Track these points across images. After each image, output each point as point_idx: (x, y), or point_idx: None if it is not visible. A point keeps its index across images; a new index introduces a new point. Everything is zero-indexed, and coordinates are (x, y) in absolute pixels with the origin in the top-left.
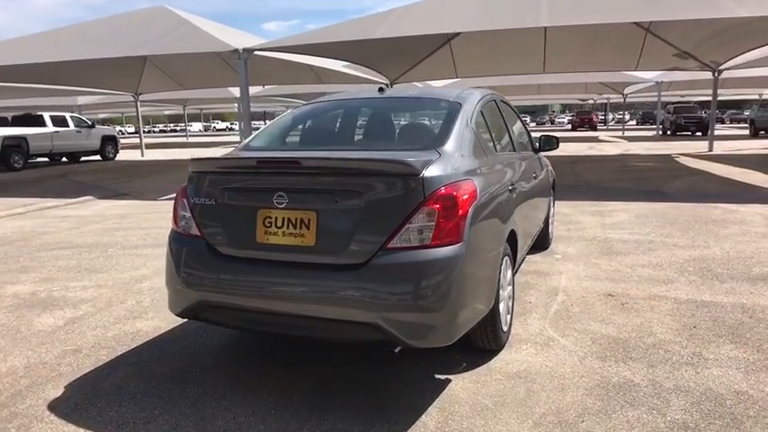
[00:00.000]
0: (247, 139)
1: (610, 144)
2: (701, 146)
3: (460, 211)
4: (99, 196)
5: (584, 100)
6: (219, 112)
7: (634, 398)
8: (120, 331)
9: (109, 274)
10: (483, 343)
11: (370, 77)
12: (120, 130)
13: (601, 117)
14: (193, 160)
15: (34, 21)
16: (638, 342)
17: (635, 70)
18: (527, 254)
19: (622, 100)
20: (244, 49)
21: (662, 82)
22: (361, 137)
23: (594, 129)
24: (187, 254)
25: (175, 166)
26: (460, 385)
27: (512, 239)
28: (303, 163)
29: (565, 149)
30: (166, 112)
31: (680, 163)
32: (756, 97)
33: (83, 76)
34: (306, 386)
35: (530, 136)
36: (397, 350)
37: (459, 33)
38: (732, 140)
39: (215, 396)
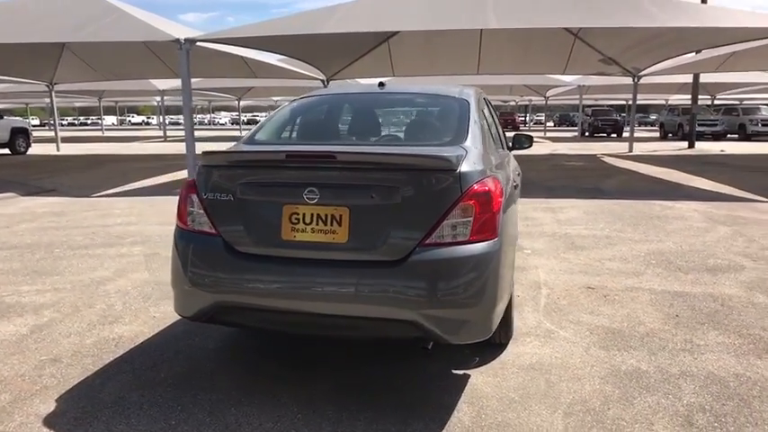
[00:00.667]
0: (250, 133)
1: (536, 144)
2: (621, 147)
3: (495, 207)
4: (22, 193)
5: (505, 101)
6: (134, 104)
7: (647, 384)
8: (100, 338)
9: (64, 276)
10: (495, 336)
11: (306, 73)
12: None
13: (521, 118)
14: (206, 153)
15: None
16: (631, 331)
17: (563, 74)
18: None
19: (544, 102)
20: (186, 40)
21: (582, 86)
22: (377, 132)
23: (517, 129)
24: (200, 253)
25: (98, 162)
26: (481, 380)
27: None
28: (339, 157)
29: None
30: (77, 104)
31: (606, 162)
32: (663, 102)
33: None
34: (324, 387)
35: (505, 134)
36: (430, 346)
37: (398, 32)
38: (645, 142)
39: (231, 402)
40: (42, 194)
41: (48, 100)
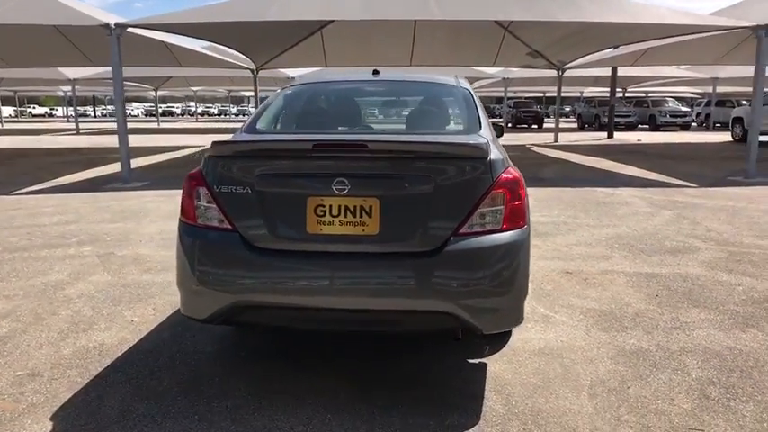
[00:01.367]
0: (248, 122)
1: None
2: (545, 137)
3: (523, 194)
4: None
5: None
6: (35, 95)
7: (654, 362)
8: (78, 347)
9: (10, 282)
10: None
11: (235, 62)
12: None
13: None
14: (217, 144)
15: None
16: (621, 312)
17: (492, 66)
18: None
19: None
20: (117, 25)
21: (507, 78)
22: (389, 120)
23: None
24: (215, 251)
25: (7, 156)
26: (499, 368)
27: None
28: (371, 147)
29: None
30: None
31: (536, 152)
32: (578, 95)
33: None
34: (345, 385)
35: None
36: (460, 336)
37: (332, 21)
38: (566, 132)
39: (252, 407)
40: None
41: None
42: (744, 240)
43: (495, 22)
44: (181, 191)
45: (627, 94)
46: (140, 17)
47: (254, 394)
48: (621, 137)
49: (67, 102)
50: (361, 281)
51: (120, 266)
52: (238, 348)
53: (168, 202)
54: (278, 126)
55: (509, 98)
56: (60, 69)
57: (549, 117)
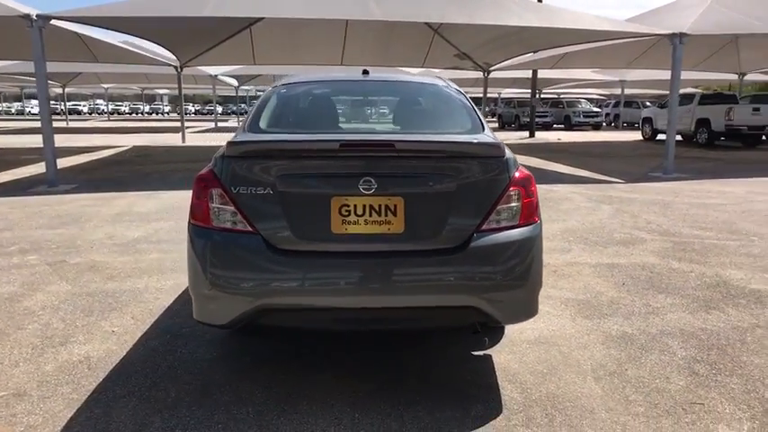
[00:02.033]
0: (249, 122)
1: None
2: None
3: (535, 192)
4: None
5: None
6: None
7: (642, 344)
8: (62, 362)
9: None
10: None
11: (158, 58)
12: None
13: None
14: (233, 143)
15: None
16: (597, 301)
17: (422, 67)
18: None
19: None
20: (38, 16)
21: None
22: (395, 119)
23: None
24: (235, 253)
25: None
26: (503, 358)
27: None
28: (397, 146)
29: None
30: None
31: None
32: (496, 96)
33: None
34: (361, 384)
35: None
36: (479, 330)
37: (262, 18)
38: None
39: (275, 411)
40: None
41: None
42: (682, 231)
43: (426, 23)
44: (119, 194)
45: (542, 96)
46: (64, 10)
47: (273, 399)
48: (542, 136)
49: None
50: (388, 279)
51: (78, 275)
52: (241, 354)
53: (107, 206)
54: (282, 125)
55: None
56: None
57: None
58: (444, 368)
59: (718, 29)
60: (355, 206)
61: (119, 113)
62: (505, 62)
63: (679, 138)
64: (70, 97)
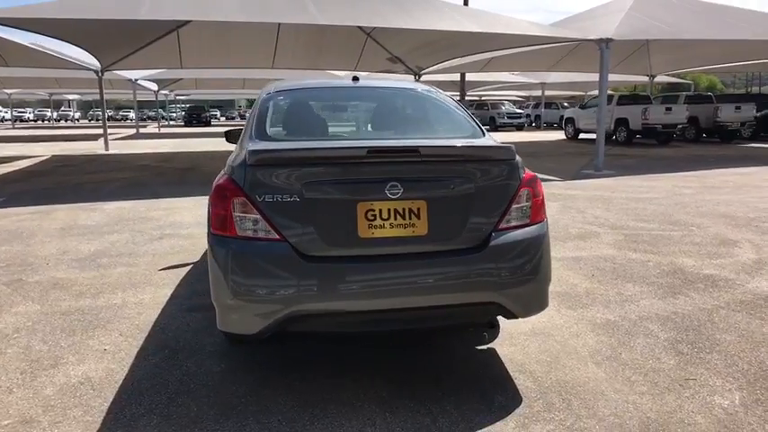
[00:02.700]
0: (254, 130)
1: None
2: None
3: (541, 191)
4: None
5: None
6: None
7: (627, 330)
8: (61, 385)
9: None
10: None
11: (75, 61)
12: None
13: None
14: (258, 152)
15: None
16: (574, 292)
17: (354, 70)
18: None
19: None
20: None
21: None
22: (402, 125)
23: None
24: (264, 262)
25: None
26: (507, 351)
27: None
28: (422, 151)
29: None
30: None
31: None
32: None
33: None
34: (383, 385)
35: None
36: (496, 325)
37: (190, 21)
38: None
39: (307, 418)
40: None
41: None
42: (628, 224)
43: (359, 27)
44: (55, 206)
45: (467, 98)
46: None
47: (300, 405)
48: None
49: None
50: (417, 280)
51: (43, 294)
52: (251, 364)
53: (47, 220)
54: (291, 132)
55: None
56: None
57: None
58: (454, 364)
59: (640, 34)
60: (381, 210)
61: (22, 120)
62: (437, 66)
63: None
64: None
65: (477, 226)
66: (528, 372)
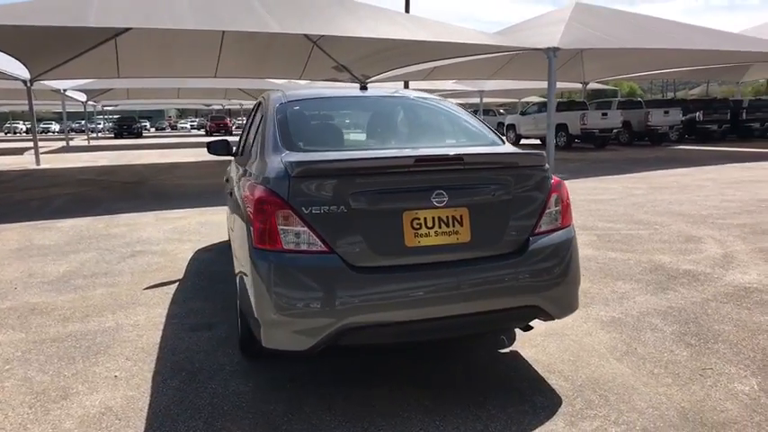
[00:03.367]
0: (280, 142)
1: None
2: None
3: (568, 197)
4: None
5: (208, 105)
6: None
7: (633, 326)
8: (80, 417)
9: None
10: None
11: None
12: None
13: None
14: (301, 163)
15: None
16: None
17: (299, 79)
18: None
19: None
20: None
21: None
22: (427, 134)
23: (230, 133)
24: (314, 275)
25: None
26: (529, 353)
27: None
28: (466, 159)
29: None
30: None
31: None
32: None
33: None
34: (422, 394)
35: None
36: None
37: (129, 29)
38: None
39: (363, 429)
40: None
41: None
42: (597, 225)
43: (305, 35)
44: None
45: None
46: None
47: (348, 421)
48: None
49: None
50: (465, 287)
51: (22, 320)
52: (278, 381)
53: None
54: (320, 143)
55: None
56: None
57: None
58: (482, 369)
59: (580, 43)
60: (425, 219)
61: None
62: (383, 74)
63: (538, 142)
64: None
65: (515, 231)
66: (557, 372)
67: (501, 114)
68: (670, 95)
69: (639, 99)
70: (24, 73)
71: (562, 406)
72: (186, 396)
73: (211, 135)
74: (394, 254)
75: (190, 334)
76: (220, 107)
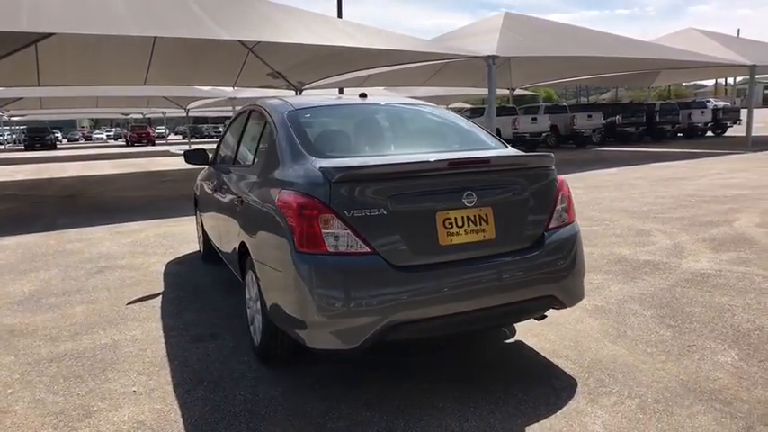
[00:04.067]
0: (304, 149)
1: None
2: None
3: (570, 193)
4: None
5: (126, 114)
6: None
7: (617, 312)
8: (118, 431)
9: None
10: None
11: None
12: None
13: (159, 131)
14: (341, 168)
15: None
16: None
17: (233, 86)
18: None
19: (185, 114)
20: None
21: (233, 98)
22: (437, 140)
23: (153, 143)
24: (359, 275)
25: None
26: (533, 341)
27: None
28: (492, 161)
29: (176, 164)
30: None
31: None
32: None
33: None
34: (446, 386)
35: None
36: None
37: (52, 34)
38: None
39: (402, 427)
40: None
41: None
42: None
43: (240, 42)
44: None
45: None
46: None
47: (388, 413)
48: None
49: None
50: (496, 280)
51: (5, 343)
52: (306, 383)
53: None
54: (343, 149)
55: (227, 118)
56: None
57: None
58: (493, 359)
59: (514, 51)
60: (456, 219)
61: None
62: (319, 81)
63: None
64: None
65: (532, 227)
66: (563, 356)
67: None
68: (584, 100)
69: (564, 104)
70: None
71: (579, 387)
72: (218, 404)
73: (132, 146)
74: (429, 252)
75: (195, 345)
76: (140, 116)
